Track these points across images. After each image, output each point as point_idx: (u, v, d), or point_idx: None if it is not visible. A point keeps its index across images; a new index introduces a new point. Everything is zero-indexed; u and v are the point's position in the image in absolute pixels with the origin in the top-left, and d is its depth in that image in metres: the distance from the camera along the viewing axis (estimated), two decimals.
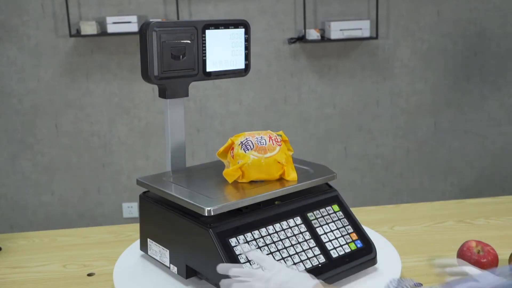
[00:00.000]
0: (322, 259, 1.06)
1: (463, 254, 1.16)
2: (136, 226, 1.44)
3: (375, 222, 1.48)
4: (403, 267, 1.18)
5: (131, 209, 3.37)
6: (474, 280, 0.89)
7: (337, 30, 3.05)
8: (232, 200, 1.03)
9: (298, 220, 1.10)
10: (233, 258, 0.98)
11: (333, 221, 1.13)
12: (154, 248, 1.16)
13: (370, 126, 3.38)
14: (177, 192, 1.09)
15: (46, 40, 3.13)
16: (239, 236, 1.01)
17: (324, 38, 3.13)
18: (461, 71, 3.36)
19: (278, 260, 1.01)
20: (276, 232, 1.06)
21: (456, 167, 3.49)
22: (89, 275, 1.26)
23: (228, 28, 1.23)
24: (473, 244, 1.16)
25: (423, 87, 3.36)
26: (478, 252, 1.14)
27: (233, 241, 1.00)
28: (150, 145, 3.31)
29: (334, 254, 1.08)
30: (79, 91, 3.21)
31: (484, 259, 1.13)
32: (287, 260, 1.02)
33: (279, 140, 1.13)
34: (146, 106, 3.25)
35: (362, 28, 3.08)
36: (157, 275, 1.14)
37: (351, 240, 1.12)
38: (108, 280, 1.22)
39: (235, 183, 1.13)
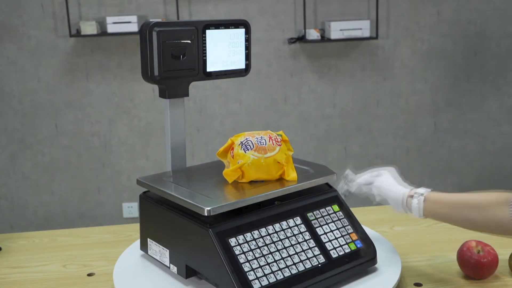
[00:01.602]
0: (322, 259, 1.05)
1: (463, 254, 1.16)
2: (136, 226, 1.44)
3: (375, 222, 1.48)
4: (403, 267, 1.18)
5: (131, 209, 3.37)
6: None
7: (337, 30, 3.05)
8: (232, 200, 1.03)
9: (298, 220, 1.10)
10: (233, 258, 0.98)
11: (333, 221, 1.13)
12: (154, 248, 1.16)
13: (370, 126, 3.38)
14: (177, 192, 1.09)
15: (46, 40, 3.13)
16: (239, 236, 1.01)
17: (324, 38, 3.13)
18: (461, 71, 3.36)
19: (277, 261, 1.01)
20: (276, 232, 1.05)
21: (456, 167, 3.49)
22: (89, 275, 1.26)
23: (229, 28, 1.23)
24: (473, 244, 1.16)
25: (423, 87, 3.36)
26: (478, 252, 1.14)
27: (232, 241, 1.00)
28: (150, 145, 3.31)
29: (334, 254, 1.07)
30: (79, 91, 3.21)
31: (484, 259, 1.13)
32: (287, 260, 1.02)
33: (279, 140, 1.13)
34: (146, 106, 3.25)
35: (362, 28, 3.08)
36: (157, 275, 1.14)
37: (351, 240, 1.12)
38: (108, 280, 1.22)
39: (235, 183, 1.13)
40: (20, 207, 3.35)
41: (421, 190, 1.11)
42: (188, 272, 1.07)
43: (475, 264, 1.13)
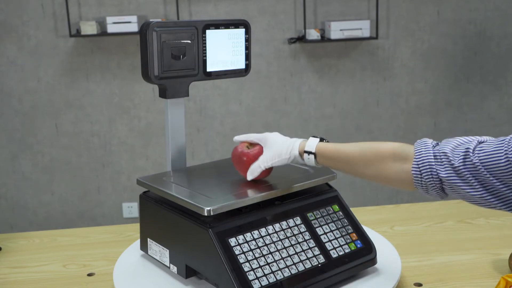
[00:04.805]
0: (322, 259, 1.05)
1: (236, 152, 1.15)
2: (136, 226, 1.44)
3: (375, 222, 1.48)
4: (403, 267, 1.18)
5: (131, 209, 3.37)
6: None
7: (337, 30, 3.05)
8: (232, 200, 1.03)
9: (298, 220, 1.10)
10: (233, 258, 0.98)
11: (333, 221, 1.13)
12: (154, 248, 1.16)
13: (370, 126, 3.38)
14: (177, 192, 1.09)
15: (46, 40, 3.13)
16: (239, 236, 1.01)
17: (324, 38, 3.13)
18: (461, 71, 3.36)
19: (277, 261, 1.01)
20: (276, 232, 1.06)
21: None
22: (89, 275, 1.26)
23: (229, 28, 1.23)
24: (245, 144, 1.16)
25: (423, 87, 3.36)
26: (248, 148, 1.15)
27: (232, 241, 1.00)
28: (150, 145, 3.31)
29: (334, 254, 1.08)
30: (79, 91, 3.21)
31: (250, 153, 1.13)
32: (287, 260, 1.02)
33: None
34: (146, 106, 3.25)
35: (362, 28, 3.08)
36: (157, 275, 1.14)
37: (351, 240, 1.12)
38: (108, 280, 1.22)
39: (236, 183, 1.13)
40: (20, 207, 3.35)
41: (311, 143, 1.08)
42: (188, 272, 1.08)
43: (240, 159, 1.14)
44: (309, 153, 1.08)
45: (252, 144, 1.15)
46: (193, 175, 1.23)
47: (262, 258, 1.00)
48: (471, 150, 0.89)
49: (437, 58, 3.32)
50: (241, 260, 0.98)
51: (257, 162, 1.11)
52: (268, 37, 3.21)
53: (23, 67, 3.16)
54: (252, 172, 1.11)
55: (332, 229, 1.12)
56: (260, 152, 1.12)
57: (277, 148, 1.11)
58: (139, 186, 1.17)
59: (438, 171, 0.92)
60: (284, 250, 1.03)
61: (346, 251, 1.09)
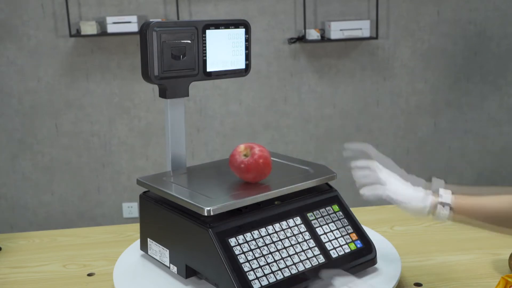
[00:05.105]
0: (321, 259, 1.05)
1: (233, 158, 1.12)
2: (136, 226, 1.44)
3: (375, 222, 1.48)
4: (403, 267, 1.18)
5: (131, 209, 3.37)
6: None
7: (337, 30, 3.05)
8: (232, 200, 1.03)
9: (298, 220, 1.10)
10: (233, 258, 0.98)
11: (333, 221, 1.13)
12: (154, 248, 1.16)
13: (370, 126, 3.38)
14: (177, 192, 1.09)
15: (46, 40, 3.13)
16: (239, 236, 1.01)
17: (324, 38, 3.13)
18: (461, 71, 3.36)
19: (277, 261, 1.01)
20: (276, 232, 1.06)
21: (456, 167, 3.49)
22: (89, 275, 1.26)
23: (229, 28, 1.23)
24: (242, 148, 1.11)
25: (423, 87, 3.36)
26: (246, 156, 1.10)
27: (232, 241, 1.00)
28: (150, 145, 3.31)
29: (334, 254, 1.07)
30: (79, 91, 3.21)
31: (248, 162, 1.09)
32: (287, 260, 1.02)
33: None
34: (146, 106, 3.25)
35: (362, 28, 3.08)
36: (157, 275, 1.14)
37: (351, 240, 1.12)
38: (108, 280, 1.22)
39: (235, 183, 1.13)
40: (20, 207, 3.35)
41: (443, 195, 1.02)
42: (188, 272, 1.08)
43: (239, 165, 1.10)
44: (445, 204, 1.01)
45: (247, 148, 1.11)
46: (193, 175, 1.23)
47: (262, 258, 1.00)
48: None
49: (437, 58, 3.32)
50: (241, 260, 0.98)
51: (386, 190, 1.03)
52: (268, 37, 3.21)
53: (23, 67, 3.16)
54: (372, 190, 1.04)
55: (332, 229, 1.12)
56: (258, 160, 1.08)
57: (412, 193, 1.03)
58: (139, 186, 1.17)
59: None
60: (284, 250, 1.03)
61: (346, 251, 1.09)
